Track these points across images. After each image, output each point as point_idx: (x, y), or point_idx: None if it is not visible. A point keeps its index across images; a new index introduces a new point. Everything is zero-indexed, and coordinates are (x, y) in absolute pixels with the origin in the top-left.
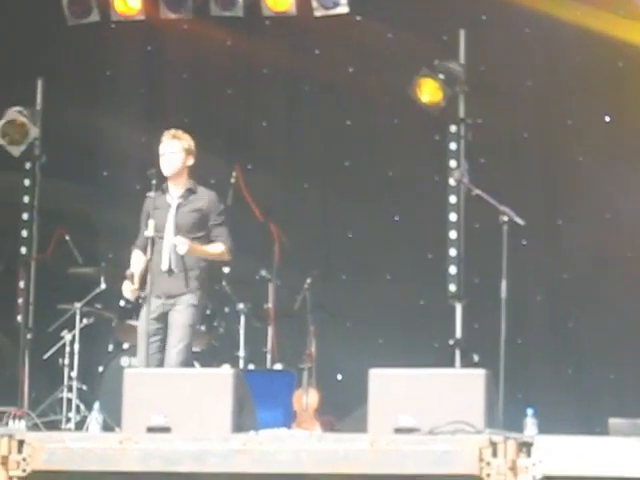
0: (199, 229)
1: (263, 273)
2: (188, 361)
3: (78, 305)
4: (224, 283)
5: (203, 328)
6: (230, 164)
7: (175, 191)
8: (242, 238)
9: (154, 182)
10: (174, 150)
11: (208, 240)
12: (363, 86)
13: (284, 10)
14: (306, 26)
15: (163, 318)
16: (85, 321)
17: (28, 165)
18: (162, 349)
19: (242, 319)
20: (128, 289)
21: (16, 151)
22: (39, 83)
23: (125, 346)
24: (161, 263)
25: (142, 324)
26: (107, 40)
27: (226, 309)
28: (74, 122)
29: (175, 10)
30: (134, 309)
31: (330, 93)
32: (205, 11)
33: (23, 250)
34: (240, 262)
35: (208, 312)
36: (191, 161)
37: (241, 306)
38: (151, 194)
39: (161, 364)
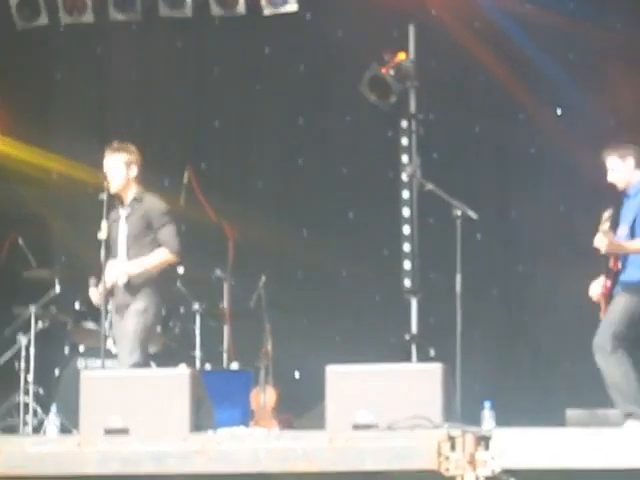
0: (146, 235)
1: (218, 272)
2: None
3: (33, 308)
4: (179, 283)
5: (159, 329)
6: (183, 165)
7: (124, 202)
8: (196, 238)
9: (105, 201)
10: (115, 165)
11: (155, 245)
12: (314, 84)
13: (233, 9)
14: (256, 25)
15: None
16: (40, 324)
17: None
18: None
19: (197, 319)
20: (95, 295)
21: None
22: None
23: (81, 349)
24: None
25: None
26: (56, 44)
27: (181, 309)
28: (26, 125)
29: (123, 11)
30: (89, 312)
31: (282, 92)
32: (154, 12)
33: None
34: (194, 262)
35: (163, 313)
36: (134, 172)
37: (196, 306)
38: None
39: None
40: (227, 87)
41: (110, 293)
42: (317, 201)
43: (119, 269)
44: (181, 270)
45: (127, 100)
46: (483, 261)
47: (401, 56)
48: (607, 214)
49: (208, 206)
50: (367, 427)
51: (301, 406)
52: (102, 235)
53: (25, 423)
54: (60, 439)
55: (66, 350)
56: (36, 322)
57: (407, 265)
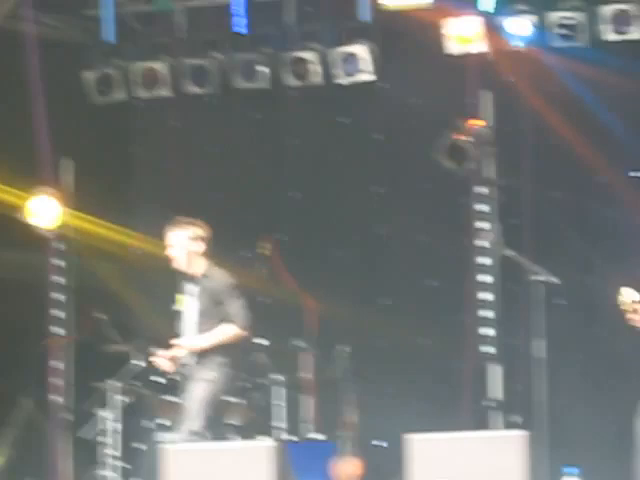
0: (215, 310)
1: (300, 343)
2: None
3: (114, 383)
4: (261, 354)
5: (242, 400)
6: (262, 236)
7: (193, 277)
8: (277, 309)
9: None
10: (180, 240)
11: (222, 319)
12: (392, 152)
13: (308, 80)
14: (331, 95)
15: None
16: (123, 398)
17: (61, 246)
18: None
19: (281, 390)
20: (164, 363)
21: (47, 232)
22: (68, 163)
23: (163, 422)
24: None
25: None
26: (133, 117)
27: (264, 381)
28: (104, 202)
29: (200, 84)
30: (170, 385)
31: (359, 161)
32: (230, 84)
33: (59, 330)
34: (277, 333)
35: (246, 384)
36: (198, 247)
37: (279, 377)
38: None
39: None
40: (305, 157)
41: (182, 365)
42: (397, 269)
43: (189, 344)
44: (264, 341)
45: (206, 173)
46: (566, 326)
47: (477, 122)
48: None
49: (289, 277)
50: None
51: (385, 475)
52: (178, 306)
53: None
54: None
55: (149, 424)
56: (118, 396)
57: (488, 331)
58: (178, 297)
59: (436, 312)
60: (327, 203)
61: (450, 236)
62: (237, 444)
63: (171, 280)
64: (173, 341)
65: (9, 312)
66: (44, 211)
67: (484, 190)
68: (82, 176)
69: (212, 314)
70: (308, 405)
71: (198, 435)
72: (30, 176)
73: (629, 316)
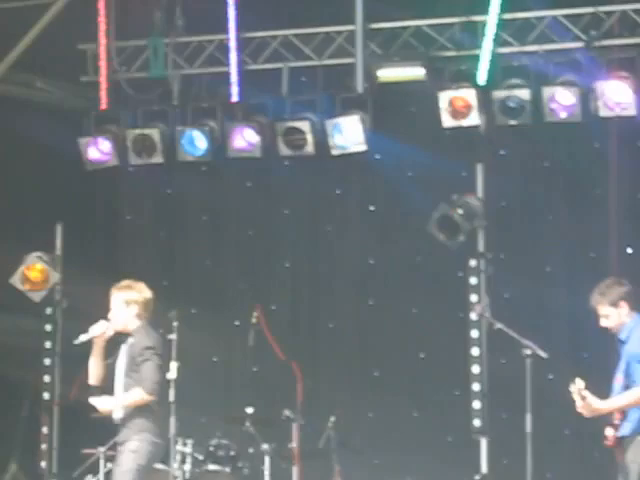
0: (133, 369)
1: (287, 412)
2: None
3: (102, 449)
4: (248, 423)
5: (227, 469)
6: (252, 305)
7: (127, 336)
8: (265, 378)
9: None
10: (116, 303)
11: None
12: (384, 224)
13: (302, 150)
14: (325, 166)
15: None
16: (109, 465)
17: (49, 310)
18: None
19: (267, 459)
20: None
21: (37, 297)
22: (58, 228)
23: None
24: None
25: None
26: (125, 184)
27: (250, 449)
28: (94, 267)
29: (192, 152)
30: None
31: (352, 232)
32: (222, 152)
33: (46, 395)
34: (263, 402)
35: (232, 453)
36: (134, 310)
37: (265, 446)
38: None
39: None
40: (297, 227)
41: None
42: (387, 341)
43: (101, 405)
44: (250, 410)
45: (197, 240)
46: (555, 400)
47: (469, 196)
48: (576, 387)
49: (277, 346)
50: None
51: None
52: (171, 375)
53: None
54: None
55: None
56: (105, 463)
57: (477, 404)
58: (171, 365)
59: (425, 384)
60: (319, 273)
61: (441, 308)
62: None
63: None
64: (91, 400)
65: (3, 377)
66: (34, 276)
67: (473, 263)
68: (73, 241)
69: (130, 374)
70: (293, 475)
71: None
72: (22, 241)
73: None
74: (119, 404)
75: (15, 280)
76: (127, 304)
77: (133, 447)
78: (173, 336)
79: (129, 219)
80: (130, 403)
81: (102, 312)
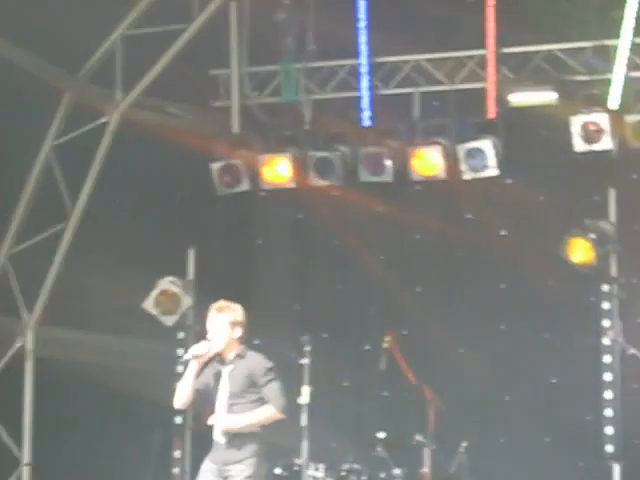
0: (251, 392)
1: (418, 437)
2: None
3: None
4: (379, 448)
5: None
6: (383, 329)
7: (227, 359)
8: (396, 402)
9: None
10: (219, 325)
11: (261, 401)
12: (516, 248)
13: (433, 174)
14: (456, 190)
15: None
16: None
17: (181, 335)
18: None
19: None
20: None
21: (169, 321)
22: (191, 253)
23: None
24: (214, 434)
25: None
26: (257, 209)
27: (382, 474)
28: (226, 291)
29: (325, 177)
30: (290, 477)
31: (483, 257)
32: (354, 177)
33: (178, 420)
34: (394, 426)
35: (364, 478)
36: (238, 332)
37: (397, 471)
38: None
39: None
40: (428, 252)
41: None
42: (519, 366)
43: (224, 423)
44: (382, 434)
45: (328, 264)
46: None
47: (603, 221)
48: None
49: (408, 370)
50: None
51: None
52: (303, 400)
53: None
54: None
55: None
56: None
57: (609, 430)
58: (303, 390)
59: (557, 409)
60: (449, 298)
61: (573, 333)
62: None
63: (293, 371)
64: (211, 419)
65: (136, 401)
66: (167, 301)
67: (606, 288)
68: (204, 266)
69: (246, 396)
70: None
71: None
72: (155, 265)
73: None
74: (250, 422)
75: (148, 304)
76: (233, 326)
77: (249, 472)
78: (305, 360)
79: (260, 244)
80: (261, 421)
81: None
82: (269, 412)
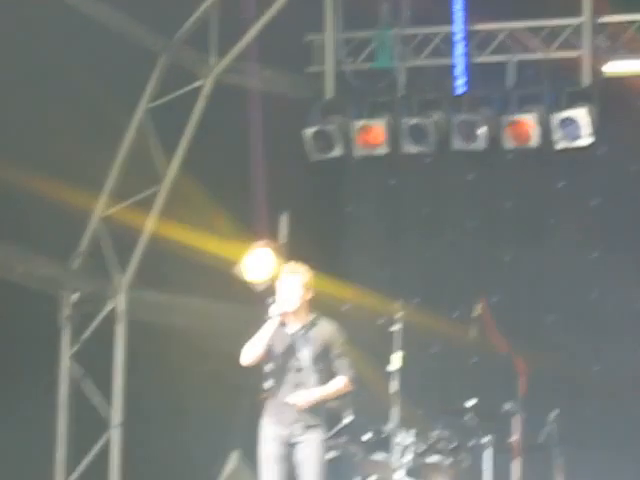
0: (322, 361)
1: (508, 406)
2: None
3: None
4: (469, 416)
5: (448, 462)
6: (473, 297)
7: (296, 323)
8: (487, 370)
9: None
10: (293, 285)
11: (330, 372)
12: (607, 218)
13: (526, 143)
14: (548, 159)
15: (290, 448)
16: (331, 454)
17: (271, 300)
18: (290, 475)
19: (487, 452)
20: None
21: (260, 286)
22: (283, 218)
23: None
24: (286, 396)
25: (266, 448)
26: (349, 175)
27: (470, 442)
28: (318, 257)
29: (417, 144)
30: (379, 443)
31: (574, 226)
32: (447, 145)
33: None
34: (485, 394)
35: (453, 445)
36: (309, 295)
37: (486, 439)
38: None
39: None
40: (518, 220)
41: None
42: (609, 336)
43: (305, 399)
44: (471, 402)
45: (418, 231)
46: None
47: None
48: None
49: (499, 339)
50: None
51: None
52: (392, 366)
53: None
54: None
55: None
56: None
57: None
58: (394, 357)
59: None
60: (540, 267)
61: None
62: None
63: (384, 335)
64: (287, 399)
65: (224, 368)
66: (258, 265)
67: None
68: (297, 231)
69: (319, 363)
70: (513, 469)
71: None
72: (247, 230)
73: None
74: (324, 395)
75: (239, 269)
76: (306, 288)
77: (322, 437)
78: (397, 327)
79: (351, 210)
80: (333, 393)
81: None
82: (340, 384)
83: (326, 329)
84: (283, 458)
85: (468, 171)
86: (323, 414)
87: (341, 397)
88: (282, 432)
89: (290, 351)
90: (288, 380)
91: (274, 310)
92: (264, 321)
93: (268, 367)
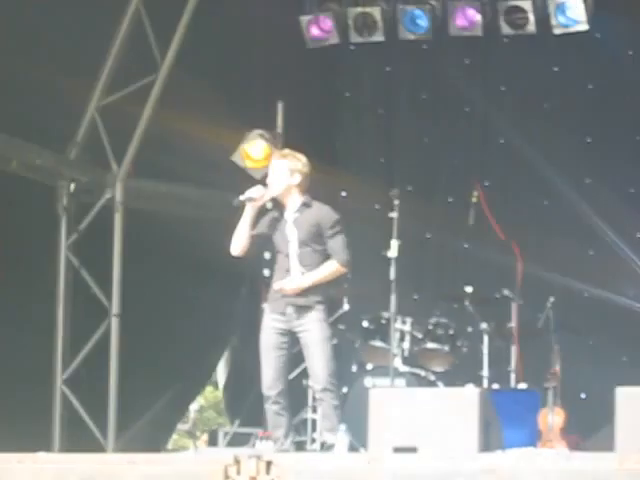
0: (316, 242)
1: (506, 292)
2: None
3: None
4: (467, 302)
5: (446, 348)
6: (468, 182)
7: (289, 207)
8: (484, 257)
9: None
10: (279, 170)
11: (324, 255)
12: (603, 103)
13: (523, 29)
14: (545, 44)
15: (288, 335)
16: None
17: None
18: (285, 365)
19: (485, 338)
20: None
21: (257, 174)
22: (280, 105)
23: (369, 367)
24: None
25: (264, 337)
26: (346, 62)
27: (469, 328)
28: (314, 144)
29: (414, 30)
30: (378, 330)
31: (569, 110)
32: (444, 31)
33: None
34: (483, 281)
35: (451, 332)
36: (297, 179)
37: (484, 325)
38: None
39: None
40: (514, 105)
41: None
42: (604, 220)
43: (295, 284)
44: (469, 289)
45: (415, 117)
46: None
47: None
48: None
49: (497, 225)
50: None
51: (589, 427)
52: (391, 253)
53: (313, 440)
54: (350, 457)
55: (354, 368)
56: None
57: None
58: (392, 243)
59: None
60: (533, 150)
61: None
62: (442, 390)
63: (380, 223)
64: (277, 284)
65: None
66: (255, 153)
67: None
68: (293, 118)
69: (311, 246)
70: (512, 354)
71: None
72: (244, 118)
73: None
74: (318, 279)
75: (236, 157)
76: (292, 173)
77: (321, 316)
78: (394, 214)
79: (348, 96)
80: (327, 276)
81: (317, 189)
82: (333, 267)
83: (318, 211)
84: (280, 347)
85: (465, 57)
86: (320, 295)
87: (338, 284)
88: (278, 320)
89: (283, 237)
90: (281, 266)
91: (245, 194)
92: (267, 211)
93: (267, 255)
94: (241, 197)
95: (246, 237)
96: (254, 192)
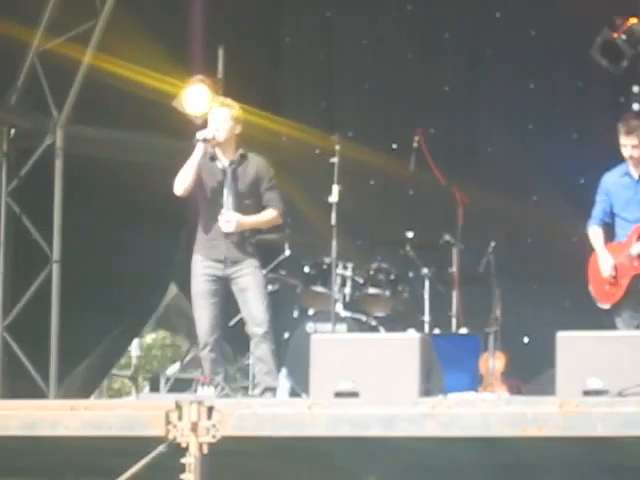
0: (253, 194)
1: (447, 237)
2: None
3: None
4: (408, 248)
5: (387, 293)
6: (411, 129)
7: (225, 158)
8: (425, 202)
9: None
10: (225, 118)
11: (260, 205)
12: (545, 49)
13: None
14: None
15: (222, 282)
16: (270, 287)
17: None
18: (220, 311)
19: (426, 284)
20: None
21: (198, 120)
22: (220, 51)
23: (310, 312)
24: (221, 228)
25: (196, 284)
26: (286, 6)
27: (410, 274)
28: (254, 89)
29: None
30: (319, 275)
31: (512, 56)
32: None
33: None
34: (424, 226)
35: (392, 277)
36: (239, 129)
37: (425, 270)
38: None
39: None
40: (456, 51)
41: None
42: (546, 167)
43: (234, 218)
44: (410, 234)
45: (355, 63)
46: None
47: (633, 20)
48: None
49: (438, 171)
50: (597, 393)
51: (530, 372)
52: (332, 198)
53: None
54: (291, 402)
55: (295, 314)
56: (266, 286)
57: None
58: (333, 188)
59: (585, 209)
60: (477, 97)
61: (604, 133)
62: (384, 335)
63: (322, 169)
64: (223, 212)
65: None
66: (195, 99)
67: (636, 89)
68: (233, 64)
69: (249, 197)
70: (453, 299)
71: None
72: (184, 64)
73: None
74: (257, 221)
75: (177, 103)
76: (236, 121)
77: (256, 263)
78: (335, 159)
79: (289, 41)
80: (264, 222)
81: (260, 137)
82: (271, 215)
83: (255, 164)
84: (212, 294)
85: (407, 3)
86: (254, 248)
87: (277, 230)
88: (212, 267)
89: (219, 187)
90: (216, 217)
91: (199, 134)
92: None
93: (200, 202)
94: (197, 136)
95: (192, 178)
96: (208, 133)
